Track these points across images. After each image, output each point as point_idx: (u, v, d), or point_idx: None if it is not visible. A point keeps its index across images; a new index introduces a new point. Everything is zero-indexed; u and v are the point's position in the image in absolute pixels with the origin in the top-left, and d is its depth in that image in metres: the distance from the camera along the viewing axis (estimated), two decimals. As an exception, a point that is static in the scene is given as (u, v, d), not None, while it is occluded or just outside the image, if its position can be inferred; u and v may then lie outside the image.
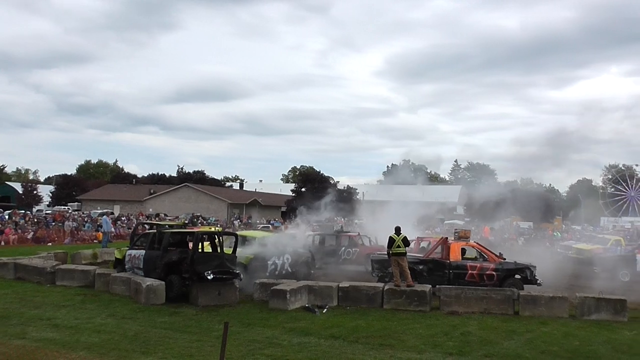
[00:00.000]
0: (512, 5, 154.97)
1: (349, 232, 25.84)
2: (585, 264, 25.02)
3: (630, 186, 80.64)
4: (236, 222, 54.89)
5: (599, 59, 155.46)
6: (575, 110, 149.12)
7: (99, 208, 60.19)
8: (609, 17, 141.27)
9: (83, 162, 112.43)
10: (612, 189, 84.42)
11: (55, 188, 79.05)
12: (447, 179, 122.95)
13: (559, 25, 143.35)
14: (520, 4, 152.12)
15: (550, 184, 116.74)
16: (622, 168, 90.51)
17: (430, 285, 14.81)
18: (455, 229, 20.25)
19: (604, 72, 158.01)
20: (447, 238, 17.79)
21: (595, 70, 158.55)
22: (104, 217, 34.64)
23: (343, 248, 22.89)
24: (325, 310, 13.57)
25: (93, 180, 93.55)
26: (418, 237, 20.73)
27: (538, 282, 16.56)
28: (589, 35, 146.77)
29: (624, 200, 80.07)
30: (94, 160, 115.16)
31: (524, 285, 16.10)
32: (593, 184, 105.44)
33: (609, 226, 61.95)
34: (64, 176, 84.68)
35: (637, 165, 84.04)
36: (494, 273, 16.48)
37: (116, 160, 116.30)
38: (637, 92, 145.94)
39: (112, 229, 35.08)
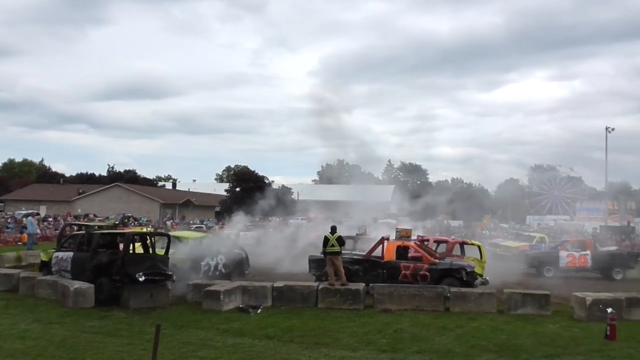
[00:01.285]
0: (442, 10, 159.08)
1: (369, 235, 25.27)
2: (512, 260, 25.92)
3: (553, 186, 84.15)
4: (169, 222, 53.95)
5: (525, 64, 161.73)
6: (503, 112, 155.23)
7: (23, 208, 57.84)
8: (533, 24, 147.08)
9: (6, 161, 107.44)
10: (537, 189, 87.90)
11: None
12: (381, 178, 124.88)
13: (487, 31, 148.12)
14: (450, 9, 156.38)
15: (479, 184, 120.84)
16: (547, 168, 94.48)
17: (363, 284, 14.96)
18: (397, 228, 20.36)
19: (529, 76, 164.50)
20: (384, 238, 17.94)
21: (521, 74, 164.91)
22: (29, 217, 33.29)
23: None
24: (260, 310, 13.52)
25: (17, 179, 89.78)
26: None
27: (475, 283, 16.25)
28: (515, 41, 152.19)
29: (548, 199, 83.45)
30: (19, 159, 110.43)
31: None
32: (519, 183, 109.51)
33: (534, 224, 64.49)
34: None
35: (560, 165, 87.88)
36: (427, 273, 16.35)
37: (42, 159, 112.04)
38: (560, 96, 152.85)
39: (38, 231, 33.80)
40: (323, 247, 15.61)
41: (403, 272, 16.59)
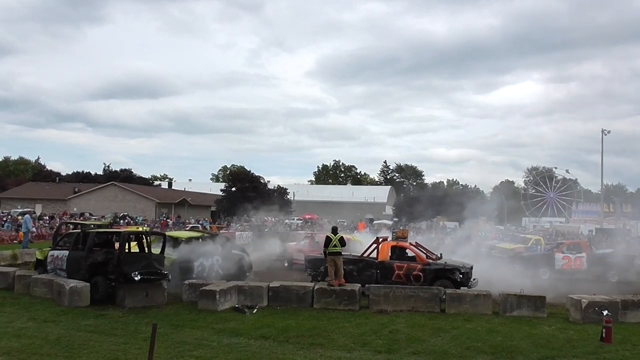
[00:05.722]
0: (439, 12, 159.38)
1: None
2: (508, 262, 25.90)
3: (549, 188, 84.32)
4: (169, 221, 53.78)
5: (521, 66, 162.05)
6: (499, 114, 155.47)
7: (19, 207, 57.70)
8: (530, 26, 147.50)
9: (2, 159, 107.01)
10: (533, 191, 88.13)
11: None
12: (377, 179, 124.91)
13: (485, 33, 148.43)
14: (448, 11, 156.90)
15: (475, 185, 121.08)
16: (543, 170, 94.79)
17: (359, 285, 14.98)
18: (394, 229, 20.38)
19: (526, 78, 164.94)
20: (379, 238, 17.92)
21: (517, 76, 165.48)
22: (25, 216, 33.16)
23: None
24: (255, 310, 13.52)
25: (13, 178, 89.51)
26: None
27: (470, 285, 16.21)
28: (512, 43, 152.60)
29: (544, 201, 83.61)
30: (15, 157, 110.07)
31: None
32: (515, 185, 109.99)
33: (530, 226, 64.52)
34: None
35: (556, 167, 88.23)
36: (420, 274, 16.35)
37: (38, 158, 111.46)
38: (556, 98, 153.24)
39: (34, 229, 33.72)
40: (325, 246, 15.64)
41: (397, 272, 16.60)
